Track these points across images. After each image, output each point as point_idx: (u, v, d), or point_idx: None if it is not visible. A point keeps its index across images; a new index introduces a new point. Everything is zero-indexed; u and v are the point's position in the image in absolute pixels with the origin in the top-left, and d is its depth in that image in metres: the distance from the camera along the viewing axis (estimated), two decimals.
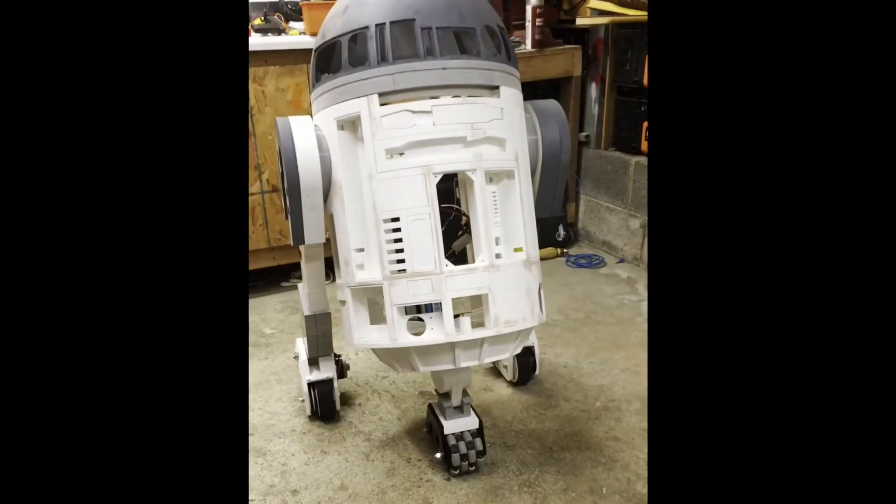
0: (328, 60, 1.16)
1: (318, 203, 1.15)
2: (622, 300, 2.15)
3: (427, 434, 1.38)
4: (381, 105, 1.07)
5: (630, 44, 2.36)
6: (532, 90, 2.32)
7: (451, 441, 1.26)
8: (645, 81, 2.28)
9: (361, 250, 1.13)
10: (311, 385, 1.44)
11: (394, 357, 1.15)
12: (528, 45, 2.36)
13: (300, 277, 2.45)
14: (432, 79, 1.07)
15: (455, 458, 1.25)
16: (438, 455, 1.28)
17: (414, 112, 1.07)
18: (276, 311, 2.16)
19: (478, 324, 1.12)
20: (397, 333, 1.10)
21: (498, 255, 1.12)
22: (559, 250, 2.54)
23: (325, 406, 1.45)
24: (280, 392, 1.64)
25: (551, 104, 1.26)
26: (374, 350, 1.19)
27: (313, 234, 1.18)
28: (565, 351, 1.82)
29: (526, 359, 1.57)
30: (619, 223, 2.53)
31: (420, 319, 1.13)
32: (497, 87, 1.12)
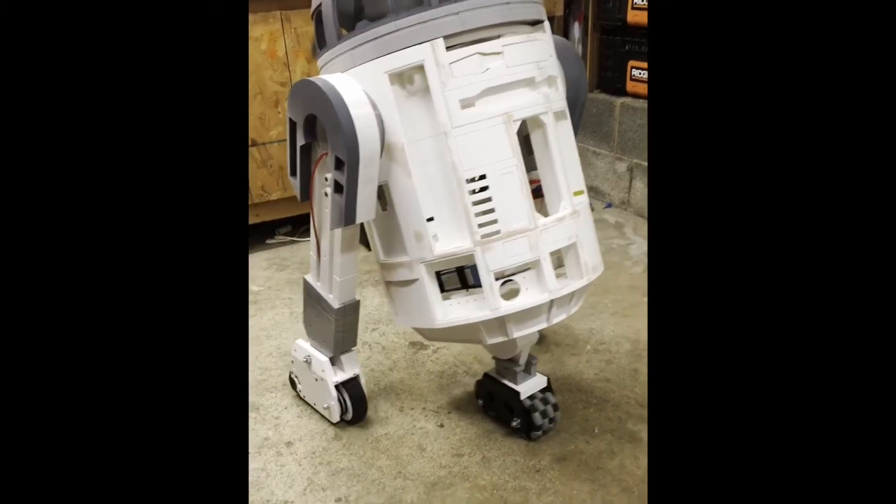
0: (359, 6, 0.98)
1: (374, 174, 0.99)
2: (610, 244, 2.16)
3: (484, 405, 1.30)
4: (447, 49, 0.94)
5: None
6: None
7: (528, 403, 1.20)
8: (629, 19, 2.23)
9: (431, 219, 1.01)
10: (339, 387, 1.27)
11: (484, 328, 1.05)
12: None
13: (287, 234, 2.36)
14: (498, 15, 0.96)
15: (537, 417, 1.20)
16: (515, 423, 1.22)
17: (485, 54, 0.95)
18: (262, 268, 2.13)
19: (560, 276, 1.07)
20: (497, 302, 1.01)
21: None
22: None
23: (359, 407, 1.29)
24: (270, 348, 1.64)
25: (562, 40, 1.22)
26: (434, 331, 1.08)
27: (365, 210, 1.01)
28: None
29: None
30: (605, 167, 2.49)
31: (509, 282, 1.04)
32: (542, 21, 1.04)
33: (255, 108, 2.00)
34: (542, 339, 1.59)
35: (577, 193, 1.09)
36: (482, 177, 0.97)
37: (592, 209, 2.45)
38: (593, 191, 2.59)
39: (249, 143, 2.01)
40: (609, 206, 2.51)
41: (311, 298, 1.26)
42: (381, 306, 1.81)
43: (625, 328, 1.67)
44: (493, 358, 1.25)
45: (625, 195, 2.46)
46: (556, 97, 1.04)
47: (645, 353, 1.54)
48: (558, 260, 1.08)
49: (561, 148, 1.04)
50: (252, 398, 1.42)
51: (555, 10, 2.49)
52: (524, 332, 1.06)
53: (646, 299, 1.81)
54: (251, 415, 1.36)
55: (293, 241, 2.34)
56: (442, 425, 1.29)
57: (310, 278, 1.26)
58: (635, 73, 2.31)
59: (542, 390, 1.23)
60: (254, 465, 1.22)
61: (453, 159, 0.96)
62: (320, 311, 1.25)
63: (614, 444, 1.22)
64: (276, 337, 1.70)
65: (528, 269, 1.03)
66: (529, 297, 1.02)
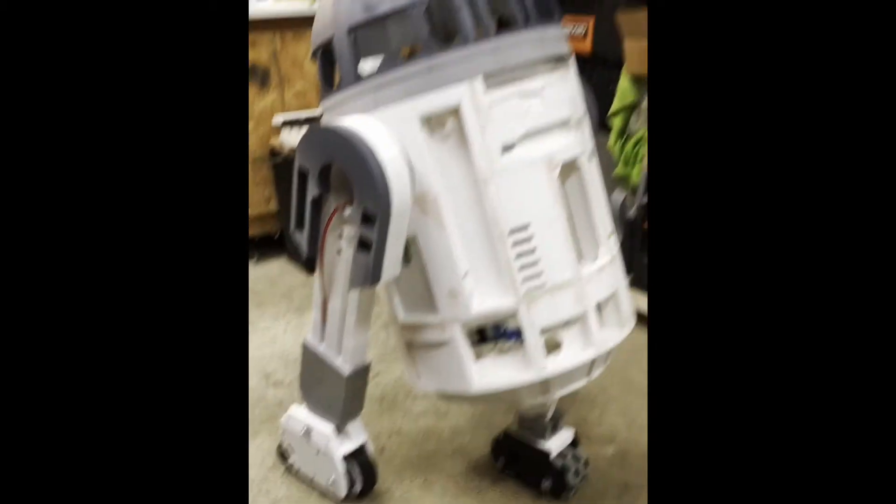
0: (389, 41, 0.88)
1: (404, 228, 0.88)
2: None
3: (504, 466, 1.21)
4: (486, 90, 0.85)
5: None
6: None
7: (560, 463, 1.12)
8: None
9: (466, 274, 0.91)
10: (348, 458, 1.14)
11: (525, 390, 0.96)
12: None
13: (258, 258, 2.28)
14: (535, 51, 0.88)
15: (570, 477, 1.12)
16: (546, 485, 1.13)
17: (525, 94, 0.87)
18: None
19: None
20: (543, 362, 0.92)
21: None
22: None
23: (370, 477, 1.16)
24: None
25: None
26: (450, 394, 0.98)
27: (392, 267, 0.90)
28: None
29: None
30: None
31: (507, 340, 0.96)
32: (568, 57, 0.98)
33: None
34: None
35: (609, 236, 1.03)
36: (525, 226, 0.89)
37: None
38: None
39: None
40: None
41: (314, 363, 1.12)
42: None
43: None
44: (518, 414, 1.16)
45: None
46: (588, 137, 0.98)
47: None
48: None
49: (600, 190, 0.98)
50: None
51: None
52: (566, 391, 0.98)
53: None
54: None
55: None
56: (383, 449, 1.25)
57: (311, 340, 1.12)
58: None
59: (570, 444, 1.15)
60: None
61: (494, 208, 0.87)
62: (324, 377, 1.11)
63: None
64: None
65: (572, 323, 0.95)
66: (575, 353, 0.94)
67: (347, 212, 0.92)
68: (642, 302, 1.79)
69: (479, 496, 1.16)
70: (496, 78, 0.86)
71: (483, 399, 0.99)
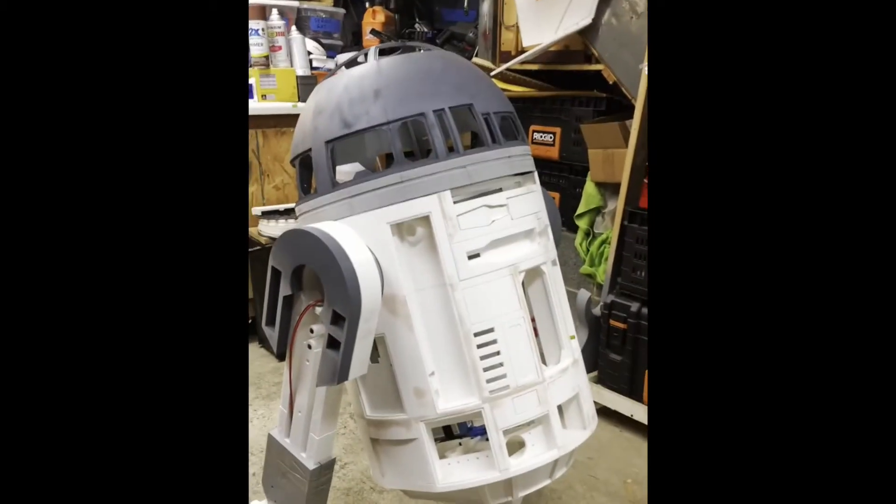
0: (365, 154, 0.94)
1: (373, 328, 0.92)
2: None
3: None
4: (455, 202, 0.91)
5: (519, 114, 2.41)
6: None
7: None
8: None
9: (433, 374, 0.94)
10: None
11: (489, 490, 0.97)
12: None
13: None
14: (502, 168, 0.96)
15: None
16: None
17: (491, 207, 0.94)
18: None
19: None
20: (507, 462, 0.94)
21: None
22: None
23: None
24: None
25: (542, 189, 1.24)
26: (414, 492, 0.99)
27: (360, 366, 0.93)
28: None
29: None
30: None
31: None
32: (533, 173, 1.05)
33: None
34: None
35: (570, 338, 1.07)
36: (490, 330, 0.93)
37: None
38: None
39: None
40: None
41: (277, 457, 1.12)
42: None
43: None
44: None
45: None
46: (551, 246, 1.04)
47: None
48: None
49: (561, 295, 1.03)
50: None
51: (462, 140, 2.62)
52: (529, 491, 0.99)
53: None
54: None
55: None
56: None
57: (276, 434, 1.12)
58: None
59: None
60: None
61: (460, 312, 0.92)
62: (288, 470, 1.11)
63: None
64: None
65: (535, 424, 0.97)
66: (538, 454, 0.96)
67: (318, 310, 0.95)
68: (608, 398, 1.82)
69: None
70: (464, 190, 0.92)
71: (447, 497, 1.00)
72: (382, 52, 1.00)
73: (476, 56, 2.50)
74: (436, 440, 1.07)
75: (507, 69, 2.22)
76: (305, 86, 2.33)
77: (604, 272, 1.96)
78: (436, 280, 0.92)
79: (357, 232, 0.92)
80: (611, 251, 1.89)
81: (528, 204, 0.99)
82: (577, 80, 2.18)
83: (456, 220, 0.91)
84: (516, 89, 2.32)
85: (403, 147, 0.92)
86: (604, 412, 1.77)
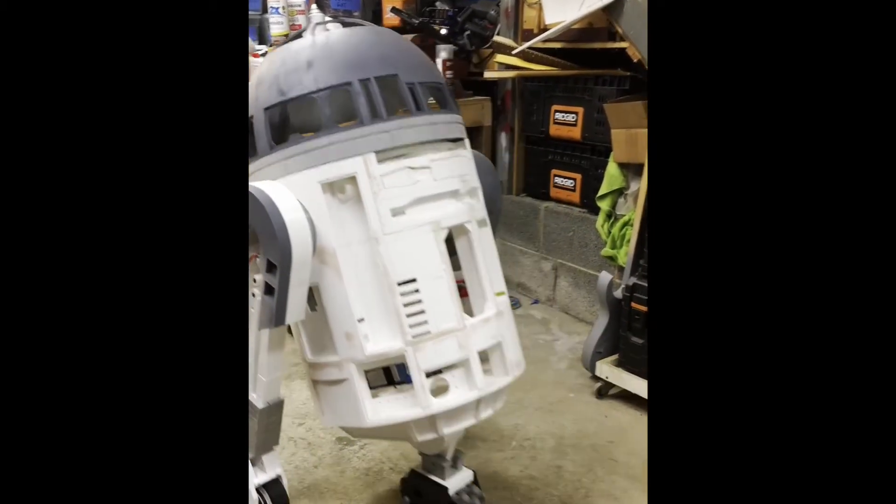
0: (299, 119, 1.03)
1: (305, 277, 1.01)
2: (537, 340, 2.23)
3: (411, 502, 1.30)
4: (379, 163, 1.00)
5: (535, 96, 2.46)
6: None
7: (457, 498, 1.21)
8: (551, 132, 2.39)
9: (362, 320, 1.04)
10: (261, 490, 1.23)
11: (415, 426, 1.07)
12: None
13: None
14: (425, 134, 1.04)
15: None
16: None
17: (414, 168, 1.03)
18: None
19: (487, 373, 1.12)
20: (428, 400, 1.03)
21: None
22: None
23: None
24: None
25: (479, 155, 1.32)
26: (362, 430, 1.09)
27: (296, 311, 1.03)
28: None
29: None
30: (532, 265, 2.60)
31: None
32: (462, 139, 1.14)
33: None
34: (468, 434, 1.62)
35: (499, 294, 1.16)
36: (412, 280, 1.02)
37: (520, 305, 2.52)
38: (521, 287, 2.69)
39: None
40: (535, 302, 2.61)
41: None
42: (309, 401, 1.78)
43: (549, 424, 1.72)
44: (420, 454, 1.26)
45: (550, 292, 2.57)
46: (479, 207, 1.13)
47: (569, 450, 1.60)
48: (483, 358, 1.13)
49: (484, 253, 1.12)
50: None
51: (484, 120, 2.65)
52: (454, 429, 1.09)
53: (571, 394, 1.88)
54: None
55: None
56: None
57: None
58: (557, 180, 2.47)
59: (469, 484, 1.25)
60: None
61: (384, 263, 1.01)
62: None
63: None
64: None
65: (457, 367, 1.07)
66: (459, 394, 1.06)
67: (258, 261, 1.05)
68: (629, 381, 1.79)
69: None
70: (387, 153, 1.01)
71: (378, 433, 1.10)
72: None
73: (498, 34, 2.49)
74: (377, 386, 1.18)
75: (529, 47, 2.19)
76: None
77: (625, 254, 1.96)
78: (363, 234, 1.02)
79: (292, 190, 1.02)
80: (633, 233, 1.89)
81: (452, 167, 1.08)
82: (601, 59, 2.13)
83: (380, 179, 1.00)
84: (538, 68, 2.31)
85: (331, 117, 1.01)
86: (624, 396, 1.80)
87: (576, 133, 2.31)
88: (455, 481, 1.23)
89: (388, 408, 1.06)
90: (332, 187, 1.02)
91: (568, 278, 2.48)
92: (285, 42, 1.12)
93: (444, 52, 2.38)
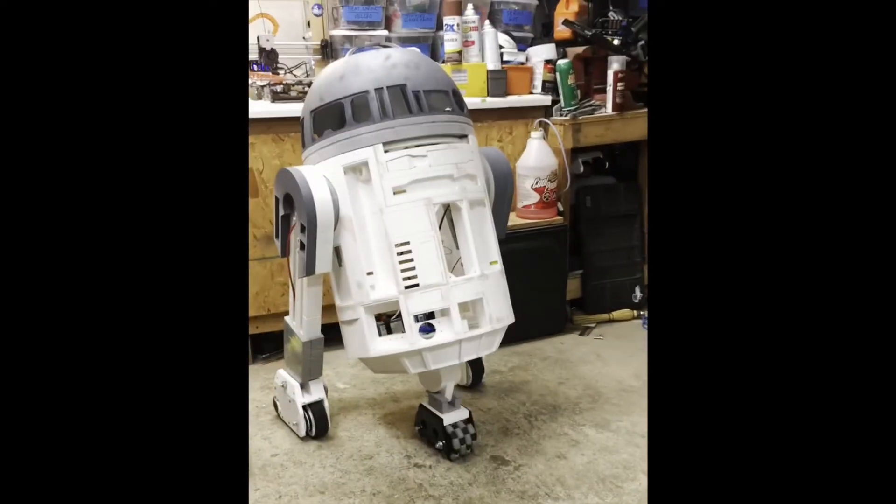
0: (331, 119, 1.38)
1: (329, 237, 1.35)
2: None
3: (420, 430, 1.59)
4: (385, 152, 1.32)
5: None
6: (610, 152, 2.47)
7: (450, 430, 1.49)
8: None
9: (371, 273, 1.35)
10: (306, 408, 1.59)
11: (408, 359, 1.36)
12: (609, 109, 2.26)
13: (267, 357, 2.11)
14: (424, 130, 1.34)
15: (456, 442, 1.48)
16: (439, 444, 1.50)
17: (413, 156, 1.33)
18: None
19: (472, 325, 1.38)
20: (415, 338, 1.33)
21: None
22: (635, 312, 2.38)
23: (321, 425, 1.60)
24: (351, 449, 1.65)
25: (494, 150, 1.59)
26: (370, 361, 1.40)
27: (323, 264, 1.37)
28: (642, 420, 1.72)
29: (479, 364, 1.85)
30: None
31: (431, 327, 1.36)
32: (466, 136, 1.42)
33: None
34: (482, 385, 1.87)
35: (492, 263, 1.42)
36: (407, 242, 1.32)
37: None
38: None
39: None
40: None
41: (287, 334, 1.61)
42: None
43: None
44: (426, 392, 1.55)
45: None
46: (473, 189, 1.40)
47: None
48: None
49: (474, 226, 1.39)
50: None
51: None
52: (440, 365, 1.37)
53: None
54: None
55: None
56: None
57: (288, 319, 1.60)
58: None
59: (465, 421, 1.52)
60: None
61: (386, 229, 1.32)
62: (292, 346, 1.59)
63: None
64: (358, 439, 1.63)
65: (443, 315, 1.35)
66: (441, 336, 1.34)
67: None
68: None
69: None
70: (392, 144, 1.32)
71: (381, 364, 1.40)
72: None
73: None
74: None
75: None
76: (495, 80, 2.22)
77: None
78: (372, 206, 1.33)
79: (325, 173, 1.36)
80: None
81: (448, 156, 1.36)
82: None
83: (385, 164, 1.31)
84: None
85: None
86: None
87: None
88: (451, 416, 1.50)
89: (387, 344, 1.37)
90: (352, 170, 1.35)
91: None
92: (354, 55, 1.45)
93: (616, 63, 2.24)
